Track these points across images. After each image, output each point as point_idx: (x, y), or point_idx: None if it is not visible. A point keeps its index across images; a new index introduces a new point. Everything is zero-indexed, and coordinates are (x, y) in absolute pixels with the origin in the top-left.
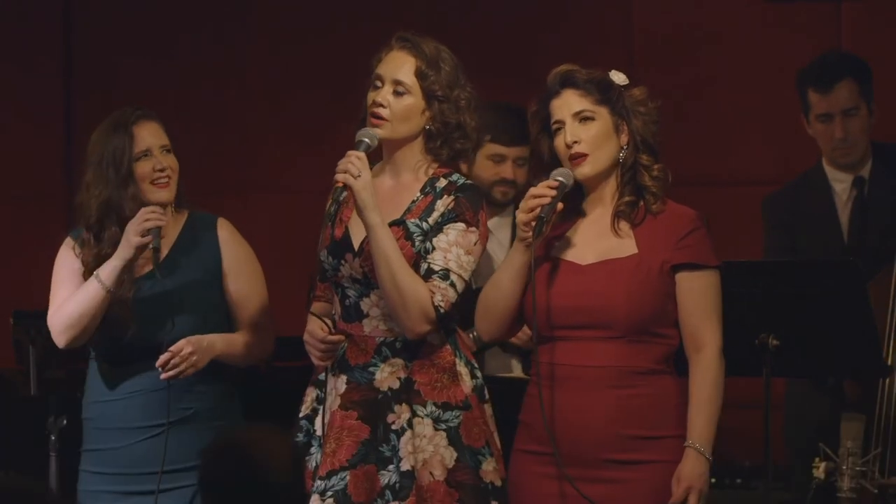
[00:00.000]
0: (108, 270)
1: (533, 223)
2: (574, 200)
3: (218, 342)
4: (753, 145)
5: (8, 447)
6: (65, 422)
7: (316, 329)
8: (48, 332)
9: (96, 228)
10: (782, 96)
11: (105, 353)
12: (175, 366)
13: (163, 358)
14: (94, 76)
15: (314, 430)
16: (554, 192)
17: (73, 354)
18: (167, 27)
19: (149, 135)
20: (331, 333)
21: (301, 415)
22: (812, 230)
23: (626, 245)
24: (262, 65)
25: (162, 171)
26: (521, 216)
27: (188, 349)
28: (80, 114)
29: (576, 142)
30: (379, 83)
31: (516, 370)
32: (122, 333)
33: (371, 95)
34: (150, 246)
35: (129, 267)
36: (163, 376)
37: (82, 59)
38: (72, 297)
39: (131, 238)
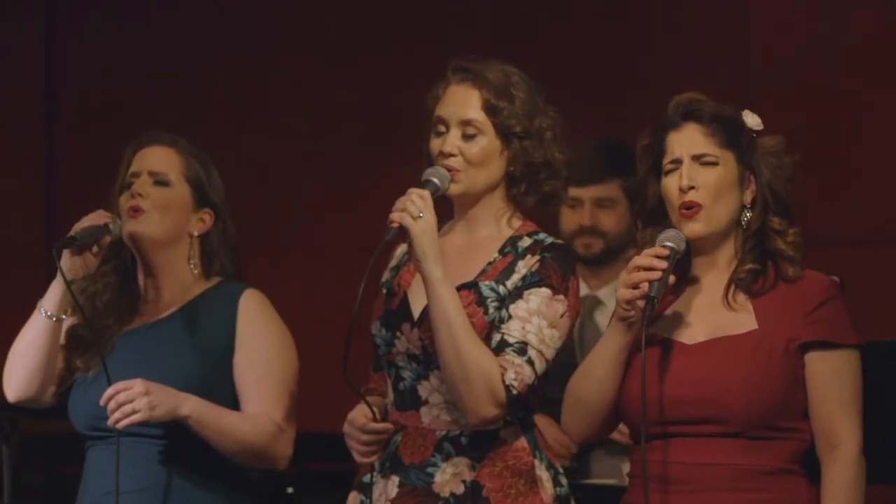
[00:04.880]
0: (48, 294)
1: (640, 302)
2: (680, 264)
3: (192, 401)
4: None
5: None
6: None
7: (358, 416)
8: (26, 427)
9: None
10: None
11: (83, 427)
12: (119, 403)
13: (107, 394)
14: (81, 128)
15: None
16: (664, 264)
17: (58, 455)
18: (173, 61)
19: (143, 159)
20: (375, 420)
21: None
22: None
23: (742, 320)
24: (284, 101)
25: (132, 197)
26: (623, 292)
27: (140, 387)
28: (62, 185)
29: (692, 187)
30: (442, 128)
31: (626, 472)
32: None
33: (435, 144)
34: (77, 242)
35: (68, 286)
36: (109, 421)
37: (67, 102)
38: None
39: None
